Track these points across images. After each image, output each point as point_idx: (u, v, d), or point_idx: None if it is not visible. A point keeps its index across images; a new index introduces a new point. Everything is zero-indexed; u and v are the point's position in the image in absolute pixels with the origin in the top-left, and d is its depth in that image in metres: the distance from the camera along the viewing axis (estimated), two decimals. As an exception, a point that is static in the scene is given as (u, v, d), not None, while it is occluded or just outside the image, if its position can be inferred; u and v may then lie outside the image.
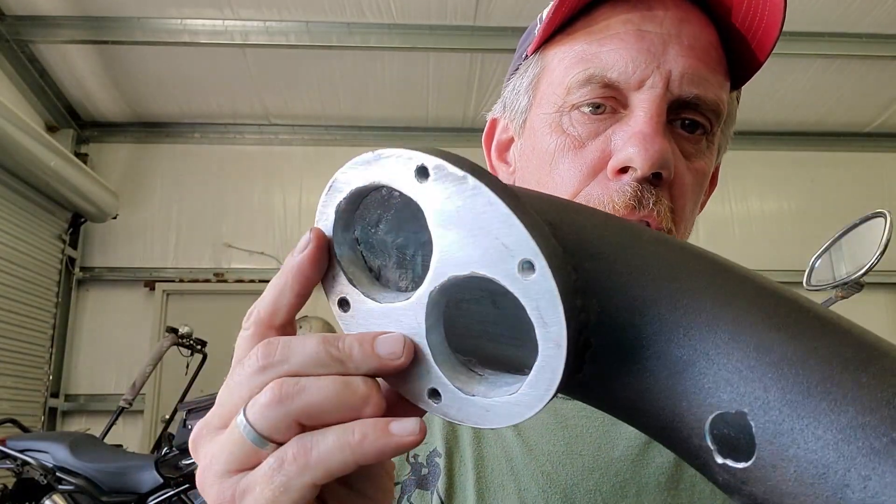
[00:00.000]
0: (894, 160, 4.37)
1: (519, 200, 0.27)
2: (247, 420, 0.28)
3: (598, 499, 0.50)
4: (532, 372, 0.27)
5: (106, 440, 2.72)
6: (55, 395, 3.74)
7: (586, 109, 0.51)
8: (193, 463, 2.40)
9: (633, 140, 0.48)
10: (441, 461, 0.53)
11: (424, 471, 0.53)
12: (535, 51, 0.57)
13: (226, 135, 4.16)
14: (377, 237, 0.32)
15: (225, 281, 4.00)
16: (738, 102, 0.58)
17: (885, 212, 1.27)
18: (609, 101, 0.51)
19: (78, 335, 3.92)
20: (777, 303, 0.26)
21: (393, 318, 0.30)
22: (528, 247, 0.26)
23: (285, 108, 3.99)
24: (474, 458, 0.53)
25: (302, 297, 0.31)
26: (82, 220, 3.87)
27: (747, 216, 4.34)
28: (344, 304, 0.31)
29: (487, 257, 0.27)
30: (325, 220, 0.31)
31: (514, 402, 0.28)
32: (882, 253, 1.23)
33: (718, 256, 0.30)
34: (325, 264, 0.31)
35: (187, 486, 2.15)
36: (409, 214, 0.30)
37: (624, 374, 0.28)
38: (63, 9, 3.17)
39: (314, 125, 4.15)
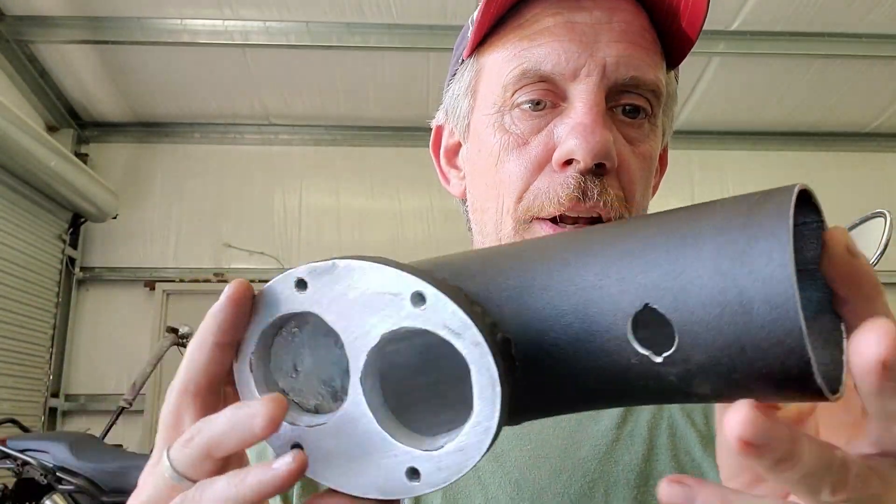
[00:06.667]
0: (895, 160, 4.36)
1: (383, 257, 0.30)
2: (168, 457, 0.31)
3: (566, 501, 0.50)
4: (474, 383, 0.27)
5: (106, 440, 2.71)
6: (55, 395, 3.73)
7: (526, 106, 0.51)
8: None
9: (574, 132, 0.48)
10: None
11: None
12: (471, 54, 0.57)
13: (226, 135, 4.16)
14: (300, 379, 0.33)
15: (225, 281, 3.96)
16: (677, 82, 0.58)
17: (885, 212, 1.27)
18: (548, 96, 0.51)
19: (78, 335, 3.92)
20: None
21: (343, 425, 0.30)
22: (409, 281, 0.28)
23: (285, 109, 3.99)
24: None
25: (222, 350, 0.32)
26: (82, 220, 3.87)
27: (747, 216, 4.32)
28: (297, 446, 0.31)
29: (386, 312, 0.29)
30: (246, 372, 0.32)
31: (476, 424, 0.28)
32: (882, 253, 1.23)
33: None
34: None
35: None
36: (313, 337, 0.32)
37: (550, 357, 0.29)
38: (63, 9, 3.17)
39: (314, 125, 4.14)
